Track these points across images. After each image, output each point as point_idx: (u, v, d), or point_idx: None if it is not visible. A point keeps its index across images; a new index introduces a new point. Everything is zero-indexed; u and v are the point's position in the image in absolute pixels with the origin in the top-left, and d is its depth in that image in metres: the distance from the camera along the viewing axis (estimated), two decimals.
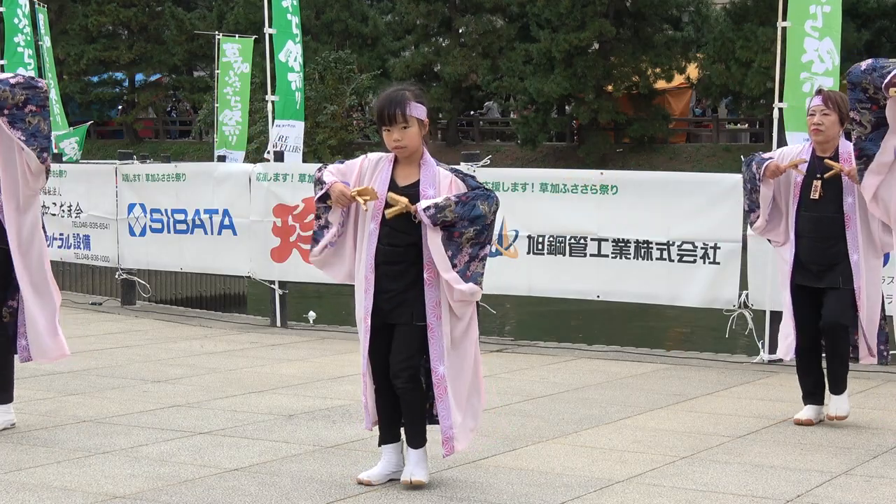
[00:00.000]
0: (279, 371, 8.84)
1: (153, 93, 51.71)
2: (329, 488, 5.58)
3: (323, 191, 5.55)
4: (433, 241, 5.42)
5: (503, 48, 42.68)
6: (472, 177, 5.62)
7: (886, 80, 5.83)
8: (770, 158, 7.05)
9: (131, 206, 12.22)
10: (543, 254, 9.91)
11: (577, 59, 39.60)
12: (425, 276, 5.48)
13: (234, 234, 11.45)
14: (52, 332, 6.66)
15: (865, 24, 38.27)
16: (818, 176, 6.93)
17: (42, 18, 20.89)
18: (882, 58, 6.12)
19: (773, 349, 9.05)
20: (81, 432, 6.68)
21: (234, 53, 21.49)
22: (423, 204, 5.39)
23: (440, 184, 5.50)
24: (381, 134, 5.56)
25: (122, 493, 5.47)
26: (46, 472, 5.81)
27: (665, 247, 9.47)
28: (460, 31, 44.34)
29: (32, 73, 17.17)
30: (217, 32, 25.27)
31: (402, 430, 5.68)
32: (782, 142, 9.19)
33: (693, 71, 41.02)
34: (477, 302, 5.63)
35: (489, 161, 10.35)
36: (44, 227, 6.72)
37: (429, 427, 5.61)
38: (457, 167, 5.76)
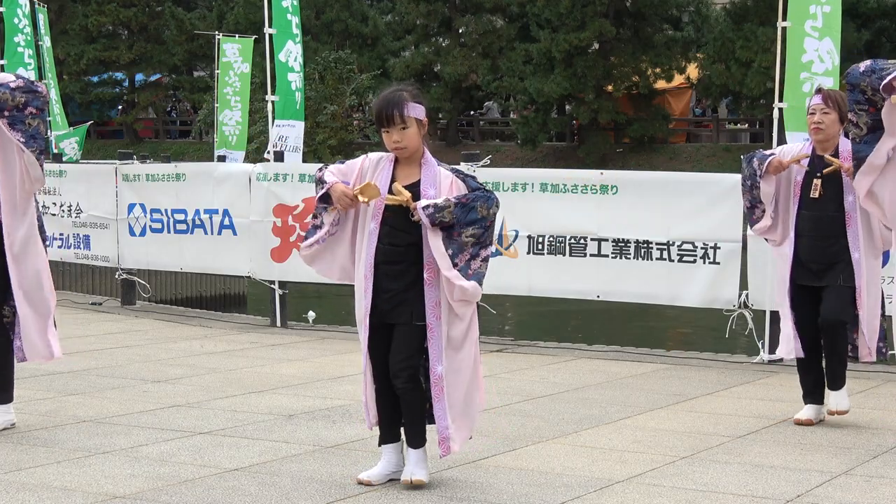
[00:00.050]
0: (279, 371, 8.84)
1: (153, 93, 51.72)
2: (329, 488, 5.58)
3: (324, 190, 5.55)
4: (434, 241, 5.42)
5: (503, 48, 42.69)
6: (473, 177, 5.62)
7: (885, 82, 5.81)
8: (772, 154, 7.05)
9: (131, 206, 12.22)
10: (543, 254, 9.91)
11: (577, 59, 39.60)
12: (425, 275, 5.48)
13: (234, 234, 11.45)
14: (43, 333, 6.64)
15: (865, 24, 38.28)
16: (818, 174, 6.94)
17: (42, 18, 20.90)
18: (881, 59, 6.10)
19: (773, 349, 9.05)
20: (81, 432, 6.68)
21: (234, 53, 21.50)
22: (422, 203, 5.39)
23: (441, 184, 5.50)
24: (381, 135, 5.56)
25: (122, 493, 5.47)
26: (46, 472, 5.82)
27: (665, 247, 9.47)
28: (460, 31, 44.35)
29: (32, 73, 17.18)
30: (217, 32, 25.28)
31: (403, 430, 5.68)
32: (782, 142, 9.17)
33: (693, 71, 41.03)
34: (477, 302, 5.62)
35: (489, 161, 10.35)
36: (43, 229, 6.71)
37: (428, 427, 5.61)
38: (457, 167, 5.76)
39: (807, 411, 7.10)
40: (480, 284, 5.44)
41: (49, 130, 20.22)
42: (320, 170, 5.64)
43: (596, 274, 9.71)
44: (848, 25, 30.86)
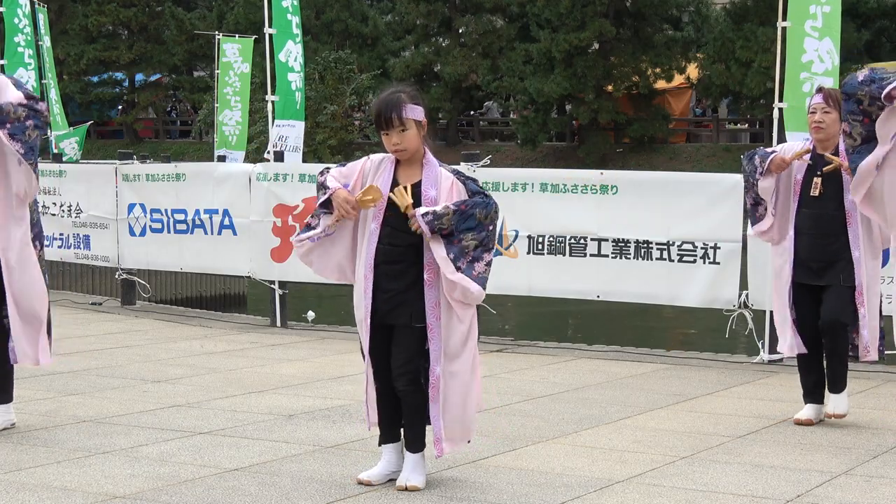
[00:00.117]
0: (279, 371, 8.84)
1: (153, 93, 51.71)
2: (329, 488, 5.58)
3: (325, 196, 5.54)
4: (435, 247, 5.42)
5: (503, 48, 42.68)
6: (474, 180, 5.60)
7: (886, 91, 5.74)
8: (773, 152, 7.04)
9: (131, 206, 12.22)
10: (543, 254, 9.91)
11: (577, 59, 39.60)
12: (425, 276, 5.48)
13: (234, 234, 11.45)
14: (33, 340, 6.62)
15: (865, 24, 38.29)
16: (818, 173, 6.94)
17: (42, 18, 20.89)
18: (880, 68, 6.06)
19: (773, 349, 9.05)
20: (81, 432, 6.68)
21: (234, 53, 21.50)
22: (421, 210, 5.39)
23: (441, 185, 5.50)
24: (381, 137, 5.56)
25: (122, 493, 5.47)
26: (46, 472, 5.82)
27: (665, 247, 9.47)
28: (460, 31, 44.34)
29: (32, 73, 17.17)
30: (217, 32, 25.28)
31: (402, 432, 5.69)
32: (782, 141, 9.17)
33: (693, 71, 41.02)
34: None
35: (489, 161, 10.35)
36: (41, 233, 6.70)
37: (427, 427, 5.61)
38: (459, 169, 5.75)
39: (807, 411, 7.10)
40: (484, 288, 5.45)
41: (49, 131, 20.23)
42: (322, 174, 5.63)
43: (596, 274, 9.71)
44: (848, 25, 30.88)
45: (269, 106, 13.03)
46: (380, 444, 5.72)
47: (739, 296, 9.25)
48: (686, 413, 7.43)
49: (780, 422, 7.16)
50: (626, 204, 9.59)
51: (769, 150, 7.15)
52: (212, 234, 11.61)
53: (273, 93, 13.05)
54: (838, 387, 7.01)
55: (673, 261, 9.43)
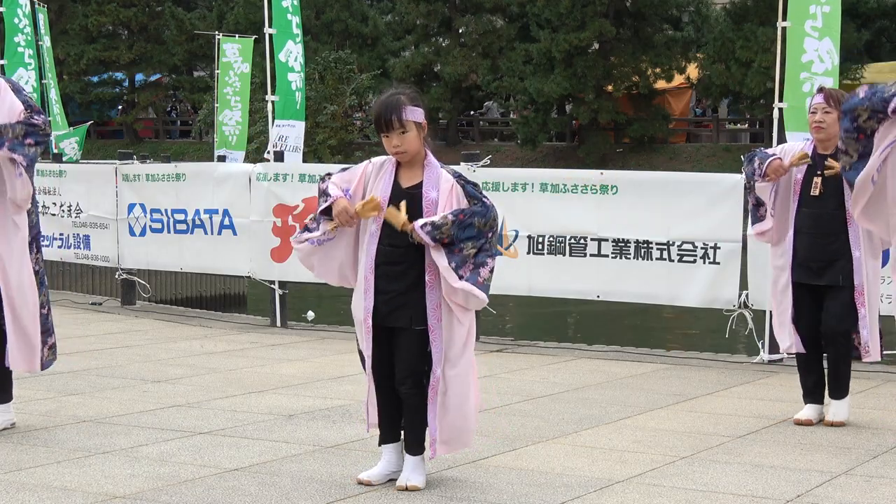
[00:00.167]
0: (279, 371, 8.84)
1: (153, 93, 51.70)
2: (329, 488, 5.58)
3: (326, 204, 5.54)
4: (437, 257, 5.42)
5: (503, 48, 42.67)
6: (474, 184, 5.58)
7: (893, 106, 5.63)
8: (774, 155, 7.02)
9: (131, 206, 12.22)
10: (543, 254, 9.91)
11: (577, 59, 39.59)
12: (427, 278, 5.48)
13: (234, 234, 11.45)
14: (23, 346, 6.60)
15: (865, 24, 38.29)
16: (819, 172, 6.94)
17: (42, 18, 20.88)
18: (879, 84, 5.99)
19: (773, 349, 9.06)
20: (81, 432, 6.68)
21: (234, 53, 21.49)
22: (420, 222, 5.39)
23: (441, 187, 5.50)
24: (381, 139, 5.56)
25: (122, 493, 5.47)
26: (46, 472, 5.82)
27: (665, 247, 9.47)
28: (460, 31, 44.33)
29: (33, 73, 17.16)
30: (217, 32, 25.27)
31: (403, 433, 5.69)
32: (782, 141, 9.16)
33: (693, 71, 41.01)
34: None
35: (489, 161, 10.35)
36: (38, 236, 6.70)
37: None
38: (459, 171, 5.74)
39: (807, 411, 7.10)
40: (487, 294, 5.46)
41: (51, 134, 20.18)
42: (323, 180, 5.62)
43: (596, 274, 9.71)
44: (848, 25, 30.86)
45: (269, 106, 13.03)
46: (380, 444, 5.72)
47: (739, 296, 9.25)
48: (686, 413, 7.43)
49: (780, 422, 7.16)
50: (626, 204, 9.58)
51: (770, 151, 7.14)
52: (212, 234, 11.61)
53: (273, 93, 13.05)
54: (840, 393, 7.02)
55: (673, 261, 9.43)
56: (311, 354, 9.68)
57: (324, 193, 5.55)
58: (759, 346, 9.36)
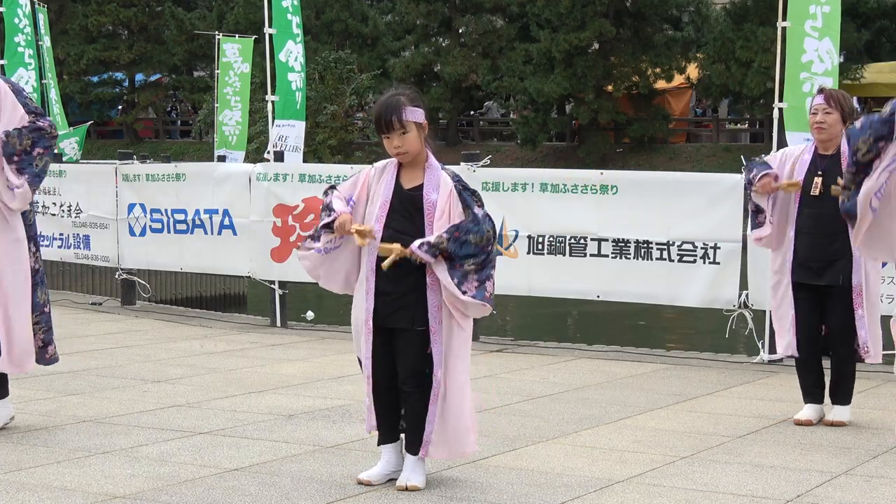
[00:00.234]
0: (279, 371, 8.84)
1: (153, 93, 51.68)
2: (329, 488, 5.58)
3: (329, 219, 5.54)
4: (441, 274, 5.44)
5: (503, 48, 42.65)
6: (472, 191, 5.56)
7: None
8: (769, 169, 7.02)
9: (131, 206, 12.22)
10: (543, 254, 9.91)
11: (577, 59, 39.58)
12: (427, 279, 5.49)
13: (234, 234, 11.45)
14: (11, 347, 6.57)
15: (865, 24, 38.27)
16: (819, 173, 6.95)
17: (42, 18, 20.87)
18: (882, 61, 5.90)
19: (773, 349, 9.05)
20: (81, 432, 6.68)
21: (234, 53, 21.49)
22: (416, 243, 5.39)
23: (441, 191, 5.50)
24: (382, 141, 5.57)
25: (122, 493, 5.47)
26: (46, 472, 5.82)
27: (665, 247, 9.47)
28: (460, 31, 44.32)
29: (33, 73, 17.16)
30: (217, 32, 25.26)
31: (402, 432, 5.70)
32: (782, 141, 9.19)
33: (693, 71, 41.00)
34: None
35: (489, 161, 10.35)
36: (35, 236, 6.69)
37: None
38: (459, 175, 5.72)
39: (806, 411, 7.10)
40: (493, 305, 5.52)
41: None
42: (327, 193, 5.63)
43: (596, 274, 9.71)
44: (848, 25, 30.86)
45: (269, 106, 13.03)
46: (379, 444, 5.72)
47: (739, 296, 9.25)
48: (686, 413, 7.43)
49: (780, 422, 7.16)
50: (626, 204, 9.59)
51: (771, 156, 7.17)
52: (212, 234, 11.60)
53: (273, 93, 13.05)
54: (843, 399, 7.03)
55: (673, 261, 9.43)
56: (311, 354, 9.68)
57: (327, 207, 5.57)
58: (759, 346, 9.36)
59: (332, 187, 5.67)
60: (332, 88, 38.55)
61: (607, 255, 9.67)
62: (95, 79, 50.58)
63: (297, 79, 13.37)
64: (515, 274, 9.96)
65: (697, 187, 9.50)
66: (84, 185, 12.81)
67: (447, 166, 5.73)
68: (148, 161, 14.77)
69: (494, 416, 7.15)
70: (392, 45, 46.49)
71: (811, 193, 6.96)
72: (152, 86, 51.44)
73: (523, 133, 41.54)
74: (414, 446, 5.59)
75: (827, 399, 7.13)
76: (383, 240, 5.50)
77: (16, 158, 6.37)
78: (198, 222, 11.68)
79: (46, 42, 21.00)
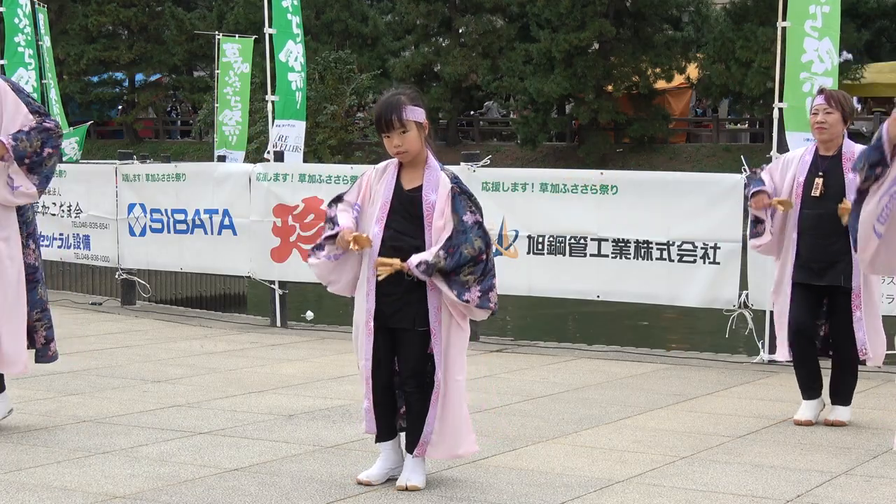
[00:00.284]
0: (279, 371, 8.84)
1: (153, 93, 51.68)
2: (329, 488, 5.58)
3: (331, 232, 5.55)
4: (440, 284, 5.44)
5: (503, 48, 42.65)
6: (468, 195, 5.54)
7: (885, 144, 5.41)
8: (762, 186, 7.02)
9: (131, 206, 12.22)
10: (543, 254, 9.91)
11: (577, 59, 39.58)
12: (428, 280, 5.49)
13: (234, 234, 11.45)
14: (7, 348, 6.56)
15: (865, 24, 38.27)
16: (820, 174, 6.95)
17: (42, 18, 20.86)
18: (882, 61, 5.92)
19: (773, 349, 9.04)
20: (81, 432, 6.68)
21: (234, 53, 21.49)
22: (413, 261, 5.39)
23: (440, 192, 5.50)
24: (383, 140, 5.57)
25: (122, 493, 5.47)
26: (46, 472, 5.82)
27: (665, 247, 9.47)
28: (460, 31, 44.31)
29: (33, 73, 17.15)
30: (217, 32, 25.26)
31: (400, 431, 5.70)
32: (782, 141, 9.20)
33: (693, 71, 40.99)
34: None
35: (489, 161, 10.35)
36: (34, 234, 6.68)
37: None
38: (458, 176, 5.71)
39: (805, 411, 7.09)
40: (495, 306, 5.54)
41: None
42: (331, 206, 5.64)
43: (596, 274, 9.72)
44: (848, 25, 30.86)
45: (269, 106, 13.03)
46: (377, 442, 5.72)
47: (739, 296, 9.26)
48: (686, 413, 7.43)
49: (780, 422, 7.16)
50: (626, 204, 9.59)
51: (772, 164, 7.19)
52: (212, 234, 11.61)
53: (273, 93, 13.05)
54: (844, 400, 7.03)
55: (673, 261, 9.43)
56: (311, 354, 9.68)
57: (330, 220, 5.58)
58: (759, 346, 9.36)
59: (336, 200, 5.68)
60: (332, 88, 38.55)
61: (607, 255, 9.67)
62: (95, 79, 50.58)
63: (297, 79, 13.36)
64: (515, 274, 9.96)
65: (697, 187, 9.50)
66: (84, 185, 12.81)
67: (447, 167, 5.74)
68: (148, 161, 14.77)
69: (494, 416, 7.15)
70: (392, 45, 46.49)
71: (812, 194, 6.96)
72: (152, 86, 51.44)
73: (523, 133, 41.54)
74: (414, 446, 5.59)
75: (827, 399, 7.13)
76: (384, 240, 5.50)
77: (27, 161, 6.39)
78: (198, 222, 11.68)
79: (46, 42, 21.00)
